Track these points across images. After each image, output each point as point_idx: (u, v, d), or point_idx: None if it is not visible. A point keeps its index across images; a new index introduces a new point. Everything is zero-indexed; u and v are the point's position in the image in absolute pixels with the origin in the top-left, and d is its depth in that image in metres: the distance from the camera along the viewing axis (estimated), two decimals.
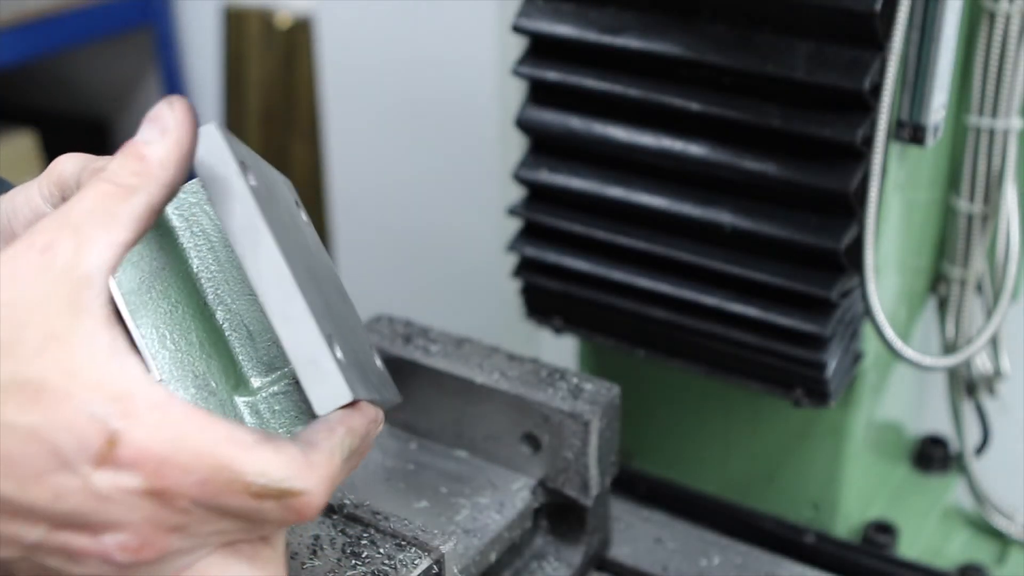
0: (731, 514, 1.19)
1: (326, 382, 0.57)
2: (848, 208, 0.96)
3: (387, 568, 0.74)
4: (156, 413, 0.51)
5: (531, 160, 1.10)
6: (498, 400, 0.90)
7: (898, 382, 1.23)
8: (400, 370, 0.95)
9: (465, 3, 1.83)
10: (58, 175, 0.66)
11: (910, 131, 1.00)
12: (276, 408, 0.64)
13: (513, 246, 1.13)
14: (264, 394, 0.64)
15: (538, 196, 1.11)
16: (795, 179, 0.96)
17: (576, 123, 1.05)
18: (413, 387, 0.95)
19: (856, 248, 0.97)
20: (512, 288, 1.19)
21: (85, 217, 0.53)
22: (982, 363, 1.25)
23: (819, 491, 1.17)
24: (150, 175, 0.55)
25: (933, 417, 1.37)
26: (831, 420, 1.13)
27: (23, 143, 2.59)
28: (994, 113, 1.07)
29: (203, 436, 0.52)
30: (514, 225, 1.15)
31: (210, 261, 0.65)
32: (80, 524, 0.52)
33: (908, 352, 1.04)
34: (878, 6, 0.89)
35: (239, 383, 0.65)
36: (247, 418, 0.64)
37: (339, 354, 0.58)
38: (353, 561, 0.74)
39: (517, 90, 1.17)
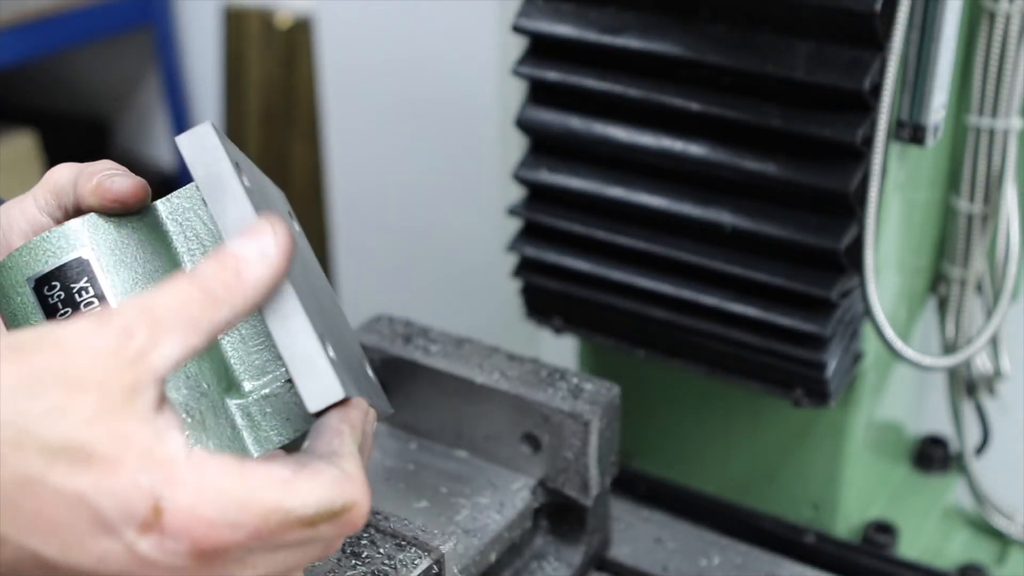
0: (731, 514, 1.19)
1: (319, 379, 0.57)
2: (848, 208, 0.96)
3: (387, 568, 0.74)
4: (195, 475, 0.52)
5: (531, 160, 1.10)
6: (498, 400, 0.90)
7: (898, 382, 1.23)
8: (400, 370, 0.95)
9: (465, 3, 1.83)
10: (53, 184, 0.67)
11: (910, 131, 1.00)
12: (267, 411, 0.64)
13: (513, 246, 1.13)
14: (255, 396, 0.65)
15: (538, 196, 1.11)
16: (795, 179, 0.96)
17: (576, 123, 1.05)
18: (413, 387, 0.95)
19: (856, 248, 0.97)
20: (512, 288, 1.19)
21: (167, 314, 0.54)
22: (982, 363, 1.25)
23: (819, 491, 1.17)
24: (240, 295, 0.56)
25: (933, 417, 1.37)
26: (831, 420, 1.13)
27: (23, 143, 2.59)
28: (994, 113, 1.07)
29: (244, 487, 0.53)
30: (514, 225, 1.15)
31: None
32: None
33: (908, 352, 1.04)
34: (878, 6, 0.89)
35: (231, 386, 0.65)
36: (238, 420, 0.64)
37: (331, 353, 0.58)
38: (353, 561, 0.74)
39: (517, 90, 1.17)
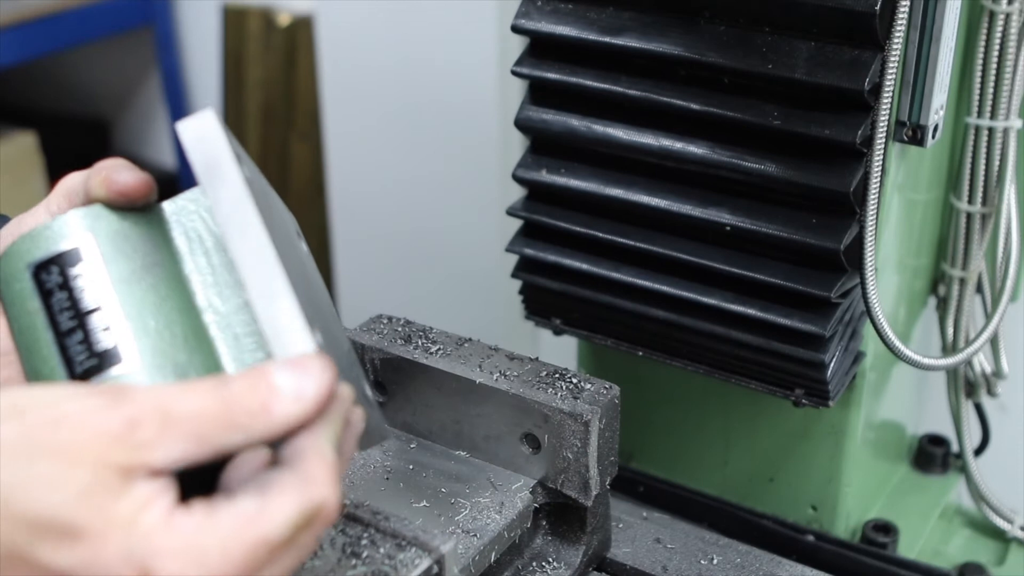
0: (731, 514, 1.19)
1: (295, 351, 0.56)
2: (848, 208, 0.96)
3: (387, 568, 0.74)
4: (175, 539, 0.52)
5: (530, 160, 1.10)
6: (498, 400, 0.90)
7: (898, 382, 1.23)
8: (400, 370, 0.95)
9: (465, 3, 1.83)
10: (66, 188, 0.69)
11: (910, 131, 1.00)
12: None
13: (512, 246, 1.13)
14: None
15: (537, 196, 1.11)
16: (795, 179, 0.96)
17: (576, 123, 1.05)
18: (413, 387, 0.95)
19: (856, 248, 0.97)
20: (512, 288, 1.19)
21: (181, 420, 0.54)
22: (982, 363, 1.25)
23: (819, 491, 1.17)
24: (261, 427, 0.55)
25: (933, 417, 1.37)
26: (831, 420, 1.13)
27: (23, 143, 2.59)
28: (994, 113, 1.07)
29: (220, 536, 0.53)
30: (514, 225, 1.15)
31: (203, 264, 0.66)
32: None
33: (908, 352, 1.04)
34: (878, 6, 0.89)
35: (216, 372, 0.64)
36: None
37: (319, 338, 0.58)
38: (353, 561, 0.74)
39: (517, 90, 1.17)
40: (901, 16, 0.89)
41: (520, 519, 0.89)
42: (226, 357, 0.64)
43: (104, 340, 0.60)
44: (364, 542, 0.76)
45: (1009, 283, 1.11)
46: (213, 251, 0.66)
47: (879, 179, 0.94)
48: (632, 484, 1.22)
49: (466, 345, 0.96)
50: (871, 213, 0.95)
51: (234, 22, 2.65)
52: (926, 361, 1.07)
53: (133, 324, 0.61)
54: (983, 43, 1.04)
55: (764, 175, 0.97)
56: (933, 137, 1.01)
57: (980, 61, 1.05)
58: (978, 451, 1.32)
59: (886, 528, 1.18)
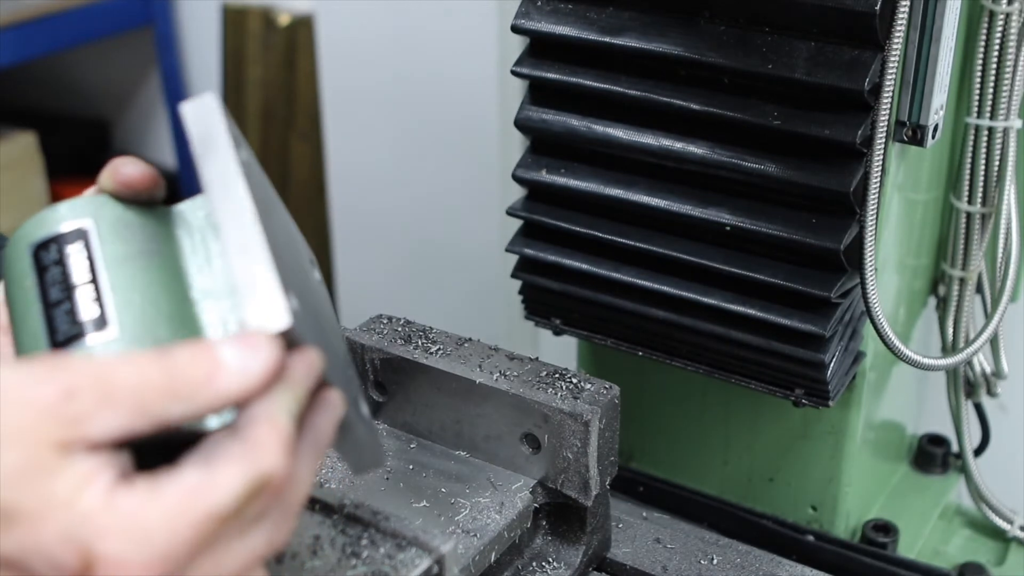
0: (731, 514, 1.19)
1: (263, 299, 0.55)
2: (848, 208, 0.96)
3: (387, 568, 0.74)
4: (117, 518, 0.51)
5: (530, 160, 1.10)
6: (498, 400, 0.90)
7: (898, 382, 1.23)
8: (400, 370, 0.95)
9: (465, 3, 1.83)
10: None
11: (910, 131, 1.00)
12: None
13: (512, 246, 1.13)
14: None
15: (537, 196, 1.11)
16: (795, 179, 0.96)
17: (576, 123, 1.05)
18: (413, 387, 0.95)
19: (856, 248, 0.97)
20: (512, 288, 1.19)
21: (121, 390, 0.52)
22: (981, 363, 1.25)
23: (819, 491, 1.17)
24: (204, 399, 0.53)
25: (933, 417, 1.37)
26: (831, 420, 1.13)
27: (23, 143, 2.59)
28: (994, 113, 1.07)
29: (164, 511, 0.51)
30: (514, 225, 1.15)
31: (202, 259, 0.66)
32: None
33: (908, 352, 1.04)
34: (878, 6, 0.89)
35: None
36: None
37: (295, 304, 0.57)
38: (353, 561, 0.74)
39: (517, 90, 1.17)
40: (901, 16, 0.89)
41: (520, 519, 0.89)
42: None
43: (88, 311, 0.61)
44: (364, 542, 0.76)
45: (1009, 283, 1.11)
46: (214, 247, 0.66)
47: (879, 179, 0.94)
48: (632, 484, 1.22)
49: (466, 345, 0.96)
50: (871, 213, 0.95)
51: (234, 22, 2.65)
52: (926, 361, 1.07)
53: (118, 297, 0.61)
54: (983, 43, 1.04)
55: (764, 175, 0.97)
56: (933, 137, 1.01)
57: (980, 61, 1.05)
58: (978, 451, 1.32)
59: (886, 528, 1.18)
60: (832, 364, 1.01)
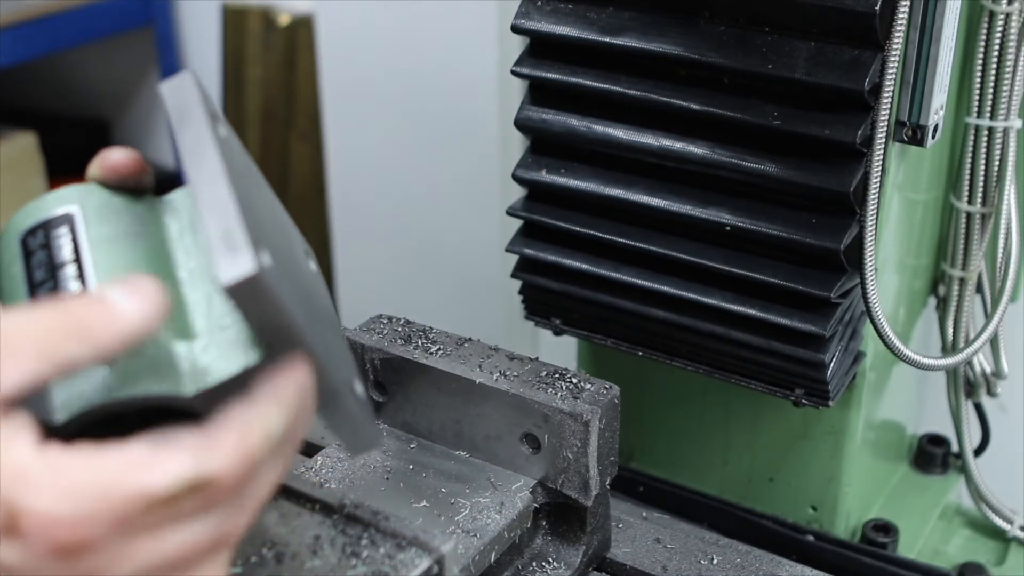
0: (731, 514, 1.19)
1: (229, 249, 0.55)
2: (848, 208, 0.96)
3: (387, 568, 0.74)
4: (48, 475, 0.51)
5: (530, 160, 1.10)
6: (498, 400, 0.90)
7: (898, 382, 1.23)
8: (400, 370, 0.95)
9: (465, 3, 1.83)
10: None
11: (910, 131, 1.00)
12: (214, 350, 0.61)
13: (512, 246, 1.13)
14: (204, 340, 0.62)
15: (537, 196, 1.11)
16: (795, 179, 0.96)
17: (576, 123, 1.05)
18: (413, 387, 0.95)
19: (856, 248, 0.97)
20: (512, 288, 1.19)
21: (20, 339, 0.52)
22: (981, 363, 1.25)
23: (819, 491, 1.17)
24: (106, 336, 0.54)
25: (933, 417, 1.37)
26: (831, 420, 1.13)
27: (23, 143, 2.59)
28: (994, 113, 1.07)
29: (100, 477, 0.51)
30: (514, 225, 1.15)
31: (190, 246, 0.67)
32: None
33: (908, 352, 1.04)
34: (878, 6, 0.89)
35: (184, 331, 0.63)
36: (182, 363, 0.60)
37: (267, 258, 0.56)
38: (353, 561, 0.74)
39: (517, 90, 1.17)
40: (901, 16, 0.89)
41: (520, 519, 0.89)
42: (195, 314, 0.63)
43: (70, 288, 0.61)
44: (364, 542, 0.76)
45: (1009, 283, 1.11)
46: (202, 231, 0.66)
47: (879, 179, 0.94)
48: (632, 484, 1.22)
49: (466, 345, 0.96)
50: (871, 213, 0.95)
51: (234, 22, 2.65)
52: (926, 361, 1.07)
53: (100, 275, 0.62)
54: (983, 43, 1.04)
55: (764, 175, 0.97)
56: (933, 137, 1.01)
57: (980, 61, 1.05)
58: (978, 451, 1.32)
59: (886, 528, 1.18)
60: (832, 364, 1.01)
